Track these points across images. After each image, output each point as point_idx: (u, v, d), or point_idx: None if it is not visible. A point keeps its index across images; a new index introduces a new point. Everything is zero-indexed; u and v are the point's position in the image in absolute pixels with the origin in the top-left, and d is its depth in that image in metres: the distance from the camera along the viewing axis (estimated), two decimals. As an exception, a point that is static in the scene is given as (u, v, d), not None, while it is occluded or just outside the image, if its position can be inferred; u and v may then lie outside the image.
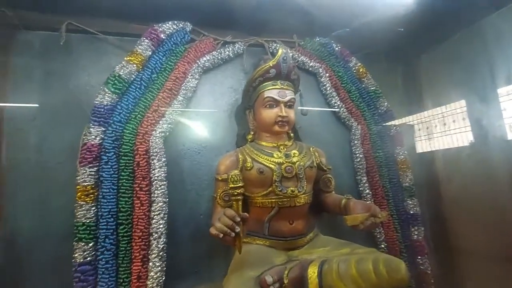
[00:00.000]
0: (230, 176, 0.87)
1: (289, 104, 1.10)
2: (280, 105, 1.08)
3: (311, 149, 1.16)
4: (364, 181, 1.32)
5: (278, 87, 1.08)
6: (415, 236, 1.34)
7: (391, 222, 1.31)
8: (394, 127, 1.41)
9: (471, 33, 1.34)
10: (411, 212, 1.35)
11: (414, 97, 1.61)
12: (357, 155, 1.34)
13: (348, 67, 1.40)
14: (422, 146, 1.56)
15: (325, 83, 1.34)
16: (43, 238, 0.94)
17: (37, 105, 1.02)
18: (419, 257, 1.33)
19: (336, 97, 1.35)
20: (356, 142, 1.35)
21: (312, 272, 0.89)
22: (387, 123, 1.41)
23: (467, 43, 1.36)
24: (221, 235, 0.81)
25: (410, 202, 1.36)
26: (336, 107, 1.36)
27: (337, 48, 1.40)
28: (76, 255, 0.90)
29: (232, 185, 0.87)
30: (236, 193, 0.86)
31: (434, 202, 1.48)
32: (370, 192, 1.32)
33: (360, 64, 1.41)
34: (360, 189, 1.32)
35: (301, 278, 0.89)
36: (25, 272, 0.92)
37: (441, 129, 1.47)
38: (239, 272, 0.87)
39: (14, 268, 0.92)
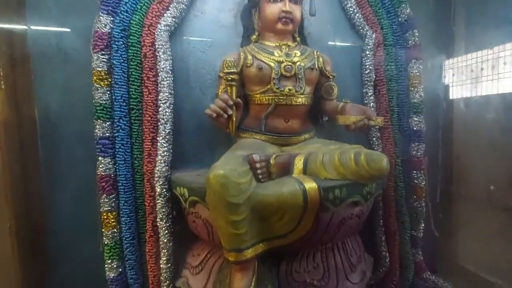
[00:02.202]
0: (224, 61, 0.91)
1: (295, 0, 1.05)
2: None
3: (315, 52, 1.15)
4: (369, 94, 1.30)
5: (284, -21, 1.02)
6: (414, 152, 1.36)
7: (391, 136, 1.32)
8: (413, 39, 1.30)
9: None
10: (415, 128, 1.35)
11: (447, 29, 1.45)
12: (367, 66, 1.30)
13: (371, -35, 1.25)
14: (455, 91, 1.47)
15: (341, -17, 1.23)
16: (69, 115, 1.10)
17: None
18: (414, 171, 1.37)
19: (353, 1, 1.25)
20: (368, 52, 1.29)
21: (299, 160, 0.98)
22: (406, 33, 1.31)
23: None
24: (214, 115, 0.90)
25: (416, 119, 1.35)
26: (351, 12, 1.27)
27: None
28: (96, 131, 1.05)
29: (226, 70, 0.92)
30: (230, 78, 0.92)
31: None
32: (375, 106, 1.31)
33: (385, -38, 1.25)
34: (365, 102, 1.31)
35: (287, 164, 0.98)
36: (56, 142, 1.11)
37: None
38: (231, 152, 0.98)
39: (47, 139, 1.11)
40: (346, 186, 0.90)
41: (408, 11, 1.29)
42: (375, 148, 1.31)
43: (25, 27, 1.07)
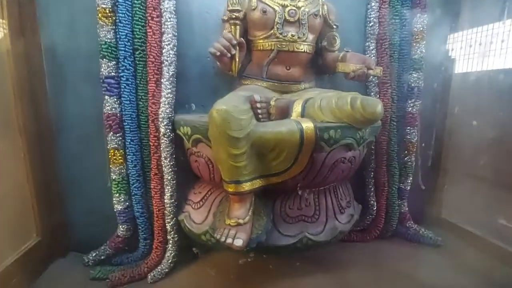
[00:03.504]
0: (229, -1, 0.92)
1: None
2: None
3: (320, 0, 1.14)
4: (371, 48, 1.31)
5: None
6: (410, 108, 1.40)
7: (389, 91, 1.35)
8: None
9: None
10: (413, 85, 1.37)
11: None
12: (371, 19, 1.29)
13: None
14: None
15: None
16: (76, 53, 1.12)
17: None
18: (408, 127, 1.42)
19: None
20: (373, 4, 1.28)
21: (297, 104, 1.03)
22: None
23: None
24: (218, 53, 0.93)
25: (415, 75, 1.37)
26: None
27: None
28: (102, 70, 1.08)
29: (231, 7, 0.92)
30: (234, 16, 0.93)
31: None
32: (376, 60, 1.32)
33: None
34: (366, 55, 1.32)
35: (286, 108, 1.03)
36: (63, 79, 1.14)
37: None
38: (234, 92, 1.02)
39: (54, 76, 1.14)
40: (341, 128, 0.96)
41: (417, -40, 1.25)
42: (372, 103, 1.34)
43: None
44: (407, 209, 1.50)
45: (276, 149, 0.93)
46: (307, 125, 0.92)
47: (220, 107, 0.85)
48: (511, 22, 1.26)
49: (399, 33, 1.32)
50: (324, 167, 1.01)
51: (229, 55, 0.93)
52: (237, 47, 0.95)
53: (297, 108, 1.02)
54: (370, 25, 1.29)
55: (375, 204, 1.43)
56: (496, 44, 1.34)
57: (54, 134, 1.18)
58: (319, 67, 1.26)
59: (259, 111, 0.96)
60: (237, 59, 0.95)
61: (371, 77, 1.17)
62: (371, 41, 1.30)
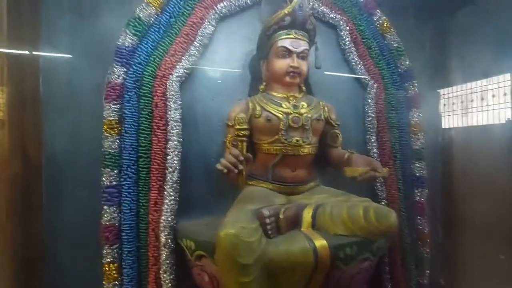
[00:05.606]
0: (236, 118, 0.94)
1: (302, 56, 1.10)
2: (293, 55, 1.09)
3: (321, 103, 1.19)
4: (372, 140, 1.33)
5: (292, 36, 1.08)
6: (418, 198, 1.37)
7: (395, 182, 1.34)
8: (413, 88, 1.37)
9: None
10: (417, 174, 1.37)
11: (440, 62, 1.53)
12: (369, 114, 1.34)
13: (372, 20, 1.34)
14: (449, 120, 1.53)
15: (344, 37, 1.30)
16: (76, 162, 1.10)
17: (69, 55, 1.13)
18: (418, 217, 1.37)
19: (355, 53, 1.32)
20: (370, 101, 1.34)
21: (307, 213, 0.98)
22: (405, 83, 1.37)
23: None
24: (225, 170, 0.91)
25: (418, 165, 1.38)
26: (353, 63, 1.33)
27: (361, -1, 1.33)
28: (103, 179, 1.04)
29: (238, 127, 0.94)
30: (241, 134, 0.94)
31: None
32: (378, 152, 1.33)
33: (384, 18, 1.33)
34: (368, 148, 1.34)
35: (296, 217, 0.98)
36: (61, 189, 1.10)
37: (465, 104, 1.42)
38: (240, 205, 0.97)
39: (51, 183, 1.10)
40: (356, 244, 0.90)
41: (407, 63, 1.36)
42: (379, 194, 1.31)
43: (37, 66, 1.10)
44: (429, 307, 1.36)
45: (288, 271, 0.85)
46: (321, 243, 0.87)
47: (229, 231, 0.80)
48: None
49: (397, 126, 1.37)
50: (340, 283, 0.93)
51: (236, 171, 0.91)
52: (244, 162, 0.94)
53: (307, 218, 0.97)
54: (369, 119, 1.33)
55: (395, 304, 1.30)
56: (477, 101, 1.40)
57: (45, 247, 1.09)
58: (323, 162, 1.26)
59: (268, 226, 0.91)
60: (244, 173, 0.94)
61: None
62: (372, 134, 1.33)
